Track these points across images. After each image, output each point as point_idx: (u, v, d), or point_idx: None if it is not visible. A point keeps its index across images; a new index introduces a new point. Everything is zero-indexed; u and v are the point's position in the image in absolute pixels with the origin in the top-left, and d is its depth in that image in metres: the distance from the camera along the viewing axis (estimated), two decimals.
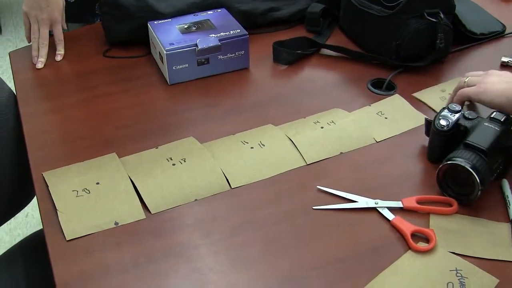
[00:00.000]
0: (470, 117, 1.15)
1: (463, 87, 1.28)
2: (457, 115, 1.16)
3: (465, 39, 1.58)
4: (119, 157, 1.20)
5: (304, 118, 1.30)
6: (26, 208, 1.50)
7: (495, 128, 1.11)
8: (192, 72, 1.42)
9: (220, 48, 1.42)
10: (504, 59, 1.50)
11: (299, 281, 0.98)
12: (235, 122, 1.30)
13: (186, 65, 1.41)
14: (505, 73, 1.24)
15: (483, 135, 1.10)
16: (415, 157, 1.22)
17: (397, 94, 1.38)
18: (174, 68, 1.40)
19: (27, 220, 2.51)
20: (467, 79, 1.27)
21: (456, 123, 1.15)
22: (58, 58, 1.53)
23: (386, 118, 1.31)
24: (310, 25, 1.64)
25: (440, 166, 1.10)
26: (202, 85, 1.43)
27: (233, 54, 1.45)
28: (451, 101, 1.28)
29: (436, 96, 1.37)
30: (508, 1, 1.83)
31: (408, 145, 1.24)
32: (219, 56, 1.43)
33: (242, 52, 1.45)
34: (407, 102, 1.36)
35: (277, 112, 1.33)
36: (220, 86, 1.43)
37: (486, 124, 1.12)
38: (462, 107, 1.19)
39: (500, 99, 1.19)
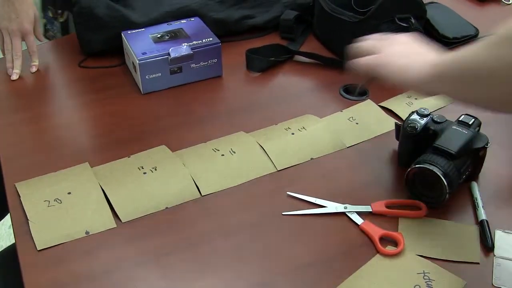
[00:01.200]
0: (438, 120, 1.16)
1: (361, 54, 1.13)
2: (425, 119, 1.17)
3: (438, 43, 1.59)
4: (92, 166, 1.20)
5: (276, 124, 1.31)
6: (7, 220, 1.49)
7: (463, 131, 1.12)
8: (165, 81, 1.43)
9: (192, 57, 1.42)
10: None
11: (267, 286, 0.98)
12: (207, 130, 1.30)
13: (159, 74, 1.41)
14: (413, 40, 1.11)
15: (451, 138, 1.11)
16: (385, 162, 1.22)
17: (369, 100, 1.39)
18: (147, 77, 1.40)
19: (10, 232, 2.50)
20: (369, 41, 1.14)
21: (425, 127, 1.16)
22: (33, 69, 1.52)
23: (357, 123, 1.31)
24: (284, 32, 1.65)
25: (409, 170, 1.10)
26: (175, 94, 1.43)
27: (206, 63, 1.45)
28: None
29: (403, 102, 1.38)
30: (482, 5, 1.85)
31: (378, 150, 1.25)
32: (192, 65, 1.44)
33: (215, 60, 1.46)
34: (379, 107, 1.37)
35: (250, 119, 1.33)
36: (193, 94, 1.43)
37: (454, 127, 1.13)
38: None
39: (397, 78, 1.05)
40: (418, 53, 1.06)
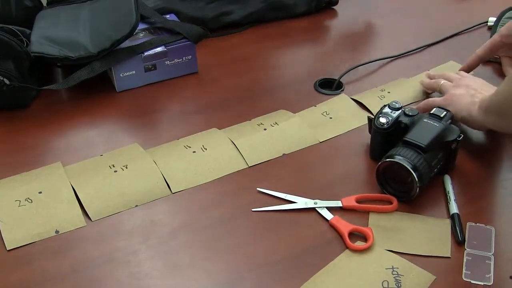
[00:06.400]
0: (410, 113, 1.16)
1: (434, 89, 1.32)
2: (397, 112, 1.17)
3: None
4: (65, 165, 1.19)
5: (249, 120, 1.30)
6: None
7: (434, 124, 1.12)
8: (140, 78, 1.43)
9: (166, 54, 1.42)
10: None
11: (234, 283, 0.98)
12: (181, 127, 1.30)
13: (133, 71, 1.41)
14: (475, 82, 1.25)
15: (422, 131, 1.11)
16: (358, 156, 1.22)
17: (343, 94, 1.39)
18: (121, 75, 1.40)
19: None
20: (442, 82, 1.30)
21: (396, 120, 1.15)
22: None
23: (331, 118, 1.31)
24: None
25: (379, 164, 1.10)
26: (150, 91, 1.43)
27: (180, 59, 1.45)
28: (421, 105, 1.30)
29: (375, 95, 1.38)
30: (461, 0, 1.84)
31: (351, 144, 1.25)
32: (166, 62, 1.43)
33: (190, 57, 1.45)
34: (353, 102, 1.36)
35: (224, 115, 1.33)
36: (168, 92, 1.43)
37: (426, 120, 1.13)
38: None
39: (463, 113, 1.20)
40: (481, 93, 1.20)
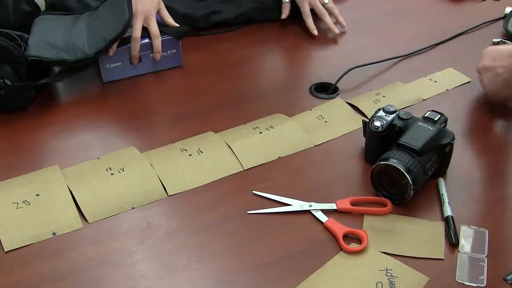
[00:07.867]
0: (404, 117, 1.16)
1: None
2: (392, 116, 1.17)
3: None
4: (62, 168, 1.20)
5: (245, 124, 1.31)
6: None
7: (428, 127, 1.13)
8: (125, 70, 1.47)
9: (151, 47, 1.45)
10: (495, 39, 1.58)
11: (229, 285, 0.98)
12: (177, 130, 1.30)
13: (119, 63, 1.44)
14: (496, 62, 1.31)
15: (416, 134, 1.12)
16: (353, 159, 1.23)
17: (338, 98, 1.40)
18: (107, 66, 1.44)
19: None
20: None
21: (391, 124, 1.16)
22: (157, 56, 1.48)
23: (326, 121, 1.32)
24: None
25: (373, 166, 1.10)
26: (142, 92, 1.45)
27: (165, 53, 1.49)
28: None
29: (369, 99, 1.39)
30: (457, 2, 1.85)
31: (346, 148, 1.25)
32: (151, 55, 1.47)
33: (174, 51, 1.49)
34: (348, 105, 1.37)
35: (220, 119, 1.34)
36: (161, 94, 1.44)
37: (420, 123, 1.14)
38: None
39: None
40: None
